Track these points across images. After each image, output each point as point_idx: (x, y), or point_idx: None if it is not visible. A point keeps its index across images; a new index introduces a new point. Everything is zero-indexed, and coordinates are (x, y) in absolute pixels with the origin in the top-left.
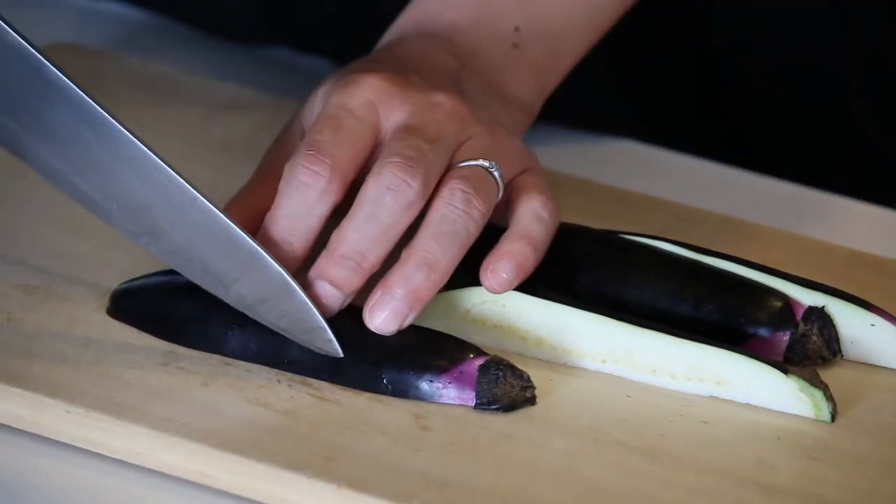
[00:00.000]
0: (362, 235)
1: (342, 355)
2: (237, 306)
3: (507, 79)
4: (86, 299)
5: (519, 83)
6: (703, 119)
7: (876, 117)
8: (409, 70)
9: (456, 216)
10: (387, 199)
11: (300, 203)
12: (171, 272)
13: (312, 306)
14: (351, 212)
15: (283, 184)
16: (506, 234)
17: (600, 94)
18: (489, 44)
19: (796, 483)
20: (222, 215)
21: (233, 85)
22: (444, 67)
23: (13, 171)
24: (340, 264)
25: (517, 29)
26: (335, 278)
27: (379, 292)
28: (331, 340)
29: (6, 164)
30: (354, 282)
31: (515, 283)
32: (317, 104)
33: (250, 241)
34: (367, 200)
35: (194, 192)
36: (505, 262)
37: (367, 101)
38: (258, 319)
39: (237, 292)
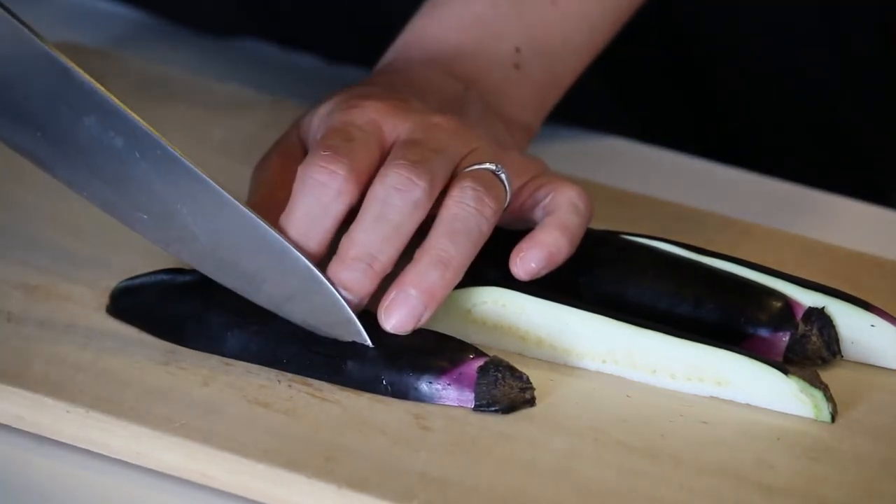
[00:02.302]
0: (372, 237)
1: (372, 345)
2: (267, 306)
3: (509, 101)
4: (86, 299)
5: (520, 105)
6: (691, 121)
7: (865, 120)
8: (412, 96)
9: (468, 214)
10: (394, 199)
11: (316, 202)
12: (172, 271)
13: (341, 298)
14: (359, 214)
15: (297, 185)
16: (543, 222)
17: (590, 92)
18: (491, 66)
19: (796, 483)
20: (250, 213)
21: (233, 85)
22: (447, 92)
23: (13, 171)
24: (351, 267)
25: (518, 50)
26: (346, 282)
27: (394, 292)
28: (359, 332)
29: (6, 164)
30: (366, 284)
31: (543, 273)
32: (314, 121)
33: (278, 237)
34: (375, 201)
35: (221, 191)
36: (536, 251)
37: (371, 119)
38: (288, 318)
39: (266, 292)
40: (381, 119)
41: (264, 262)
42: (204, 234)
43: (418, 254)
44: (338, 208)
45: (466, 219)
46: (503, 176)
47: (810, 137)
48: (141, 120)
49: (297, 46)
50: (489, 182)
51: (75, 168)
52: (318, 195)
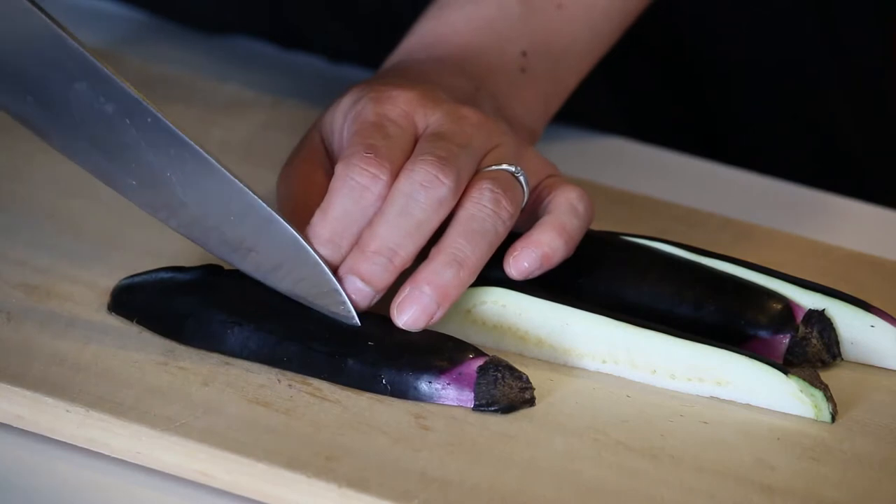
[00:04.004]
0: (394, 231)
1: (359, 323)
2: (254, 275)
3: (515, 104)
4: (86, 299)
5: (526, 108)
6: (691, 122)
7: (862, 121)
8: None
9: (485, 215)
10: (420, 196)
11: (355, 205)
12: (173, 269)
13: (326, 269)
14: (383, 208)
15: (337, 184)
16: (539, 222)
17: (590, 92)
18: (498, 69)
19: (796, 483)
20: (238, 182)
21: (233, 85)
22: (460, 90)
23: (13, 170)
24: (372, 260)
25: (524, 54)
26: (366, 274)
27: (408, 288)
28: (344, 303)
29: (7, 164)
30: (386, 278)
31: (536, 273)
32: (337, 115)
33: (265, 206)
34: (400, 196)
35: (210, 159)
36: (530, 251)
37: (404, 111)
38: (275, 287)
39: (253, 260)
40: (412, 110)
41: (251, 231)
42: (192, 201)
43: (434, 252)
44: (374, 211)
45: (484, 220)
46: (522, 178)
47: (808, 139)
48: (132, 87)
49: (298, 46)
50: (508, 184)
51: (67, 133)
52: (357, 198)
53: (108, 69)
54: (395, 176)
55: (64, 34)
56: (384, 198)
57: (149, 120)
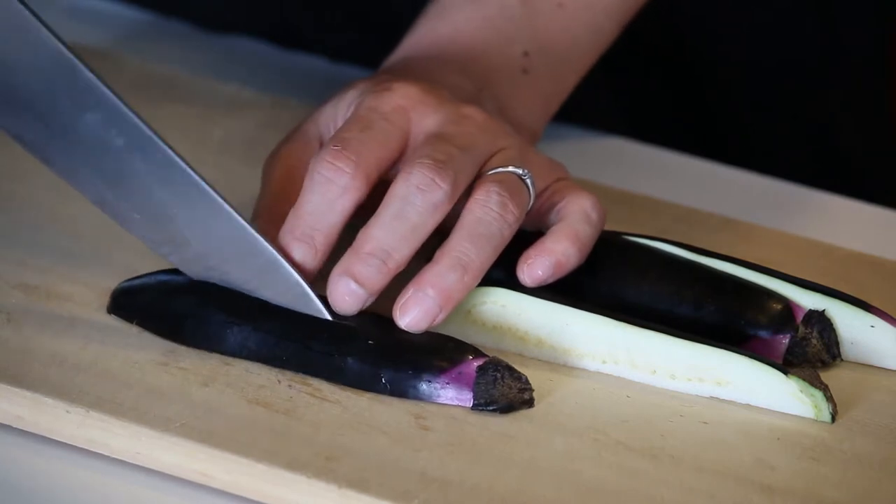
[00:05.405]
0: (389, 234)
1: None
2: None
3: (517, 105)
4: (86, 299)
5: (527, 109)
6: (691, 122)
7: (859, 123)
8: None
9: (491, 219)
10: (416, 199)
11: (322, 199)
12: (172, 271)
13: (326, 313)
14: (379, 210)
15: (307, 180)
16: (553, 229)
17: (590, 92)
18: (500, 70)
19: (796, 483)
20: (246, 224)
21: (233, 85)
22: (463, 91)
23: (13, 171)
24: (365, 262)
25: (526, 54)
26: (360, 275)
27: (411, 290)
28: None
29: (6, 164)
30: (379, 280)
31: (549, 281)
32: (340, 108)
33: (271, 248)
34: (396, 199)
35: (220, 200)
36: (544, 259)
37: (399, 106)
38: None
39: (257, 295)
40: (410, 106)
41: (254, 274)
42: (196, 240)
43: (438, 254)
44: (344, 205)
45: (489, 223)
46: (528, 181)
47: (808, 139)
48: (144, 122)
49: (298, 46)
50: (515, 187)
51: (73, 162)
52: (323, 191)
53: (121, 102)
54: (363, 169)
55: (79, 64)
56: (352, 190)
57: (159, 156)
